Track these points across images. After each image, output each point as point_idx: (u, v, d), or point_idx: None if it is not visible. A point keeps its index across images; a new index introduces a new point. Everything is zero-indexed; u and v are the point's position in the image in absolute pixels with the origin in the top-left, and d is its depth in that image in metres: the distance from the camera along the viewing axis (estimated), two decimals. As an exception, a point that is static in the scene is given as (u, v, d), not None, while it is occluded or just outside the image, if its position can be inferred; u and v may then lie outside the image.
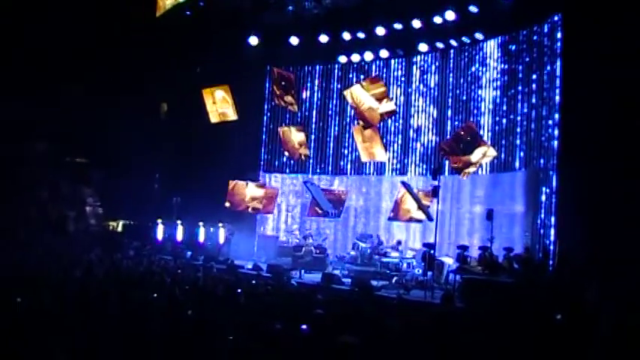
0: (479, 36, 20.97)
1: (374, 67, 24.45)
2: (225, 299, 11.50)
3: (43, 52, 23.53)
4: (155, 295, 11.11)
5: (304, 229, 24.68)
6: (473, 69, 21.86)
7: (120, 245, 22.93)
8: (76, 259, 16.45)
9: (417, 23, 20.73)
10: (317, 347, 7.10)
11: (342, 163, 25.25)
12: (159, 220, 24.93)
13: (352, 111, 22.44)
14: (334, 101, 25.44)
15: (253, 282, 15.38)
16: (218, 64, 24.06)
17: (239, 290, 12.39)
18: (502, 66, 20.74)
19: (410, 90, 23.68)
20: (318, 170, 25.63)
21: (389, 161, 23.73)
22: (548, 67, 18.25)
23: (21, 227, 22.73)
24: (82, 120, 24.56)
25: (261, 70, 25.52)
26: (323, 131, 25.67)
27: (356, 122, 22.35)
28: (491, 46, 21.17)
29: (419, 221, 20.49)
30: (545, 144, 18.16)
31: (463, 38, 21.36)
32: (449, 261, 18.46)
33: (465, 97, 22.04)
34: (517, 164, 19.89)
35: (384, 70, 24.19)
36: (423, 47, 22.30)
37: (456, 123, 21.94)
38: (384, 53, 23.30)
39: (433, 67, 23.12)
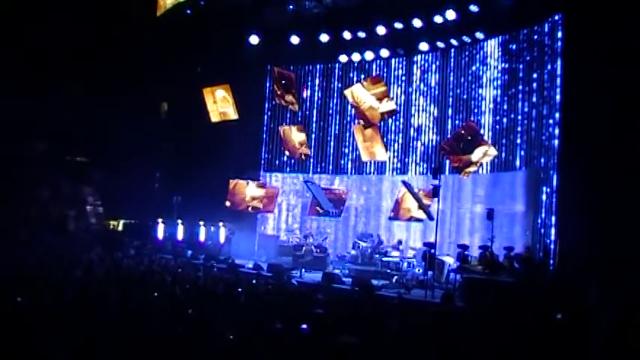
0: (479, 35, 20.96)
1: (374, 66, 24.43)
2: (226, 298, 11.50)
3: (43, 52, 23.53)
4: (156, 294, 11.11)
5: (305, 228, 24.68)
6: (473, 68, 21.85)
7: (120, 244, 22.92)
8: (76, 259, 16.44)
9: (417, 22, 20.73)
10: (317, 347, 7.09)
11: (342, 162, 25.24)
12: (159, 220, 24.94)
13: (353, 110, 22.47)
14: (335, 100, 25.42)
15: (254, 281, 15.39)
16: (218, 64, 24.08)
17: (239, 289, 12.40)
18: (503, 65, 20.73)
19: (410, 89, 23.67)
20: (318, 169, 25.63)
21: (389, 160, 23.72)
22: (549, 67, 18.24)
23: (21, 227, 22.70)
24: (83, 119, 24.56)
25: (262, 69, 25.53)
26: (323, 130, 25.65)
27: (356, 121, 22.39)
28: (492, 46, 21.16)
29: (419, 220, 20.53)
30: (545, 143, 18.15)
31: (464, 37, 21.35)
32: (449, 260, 18.44)
33: (465, 96, 22.03)
34: (517, 163, 19.88)
35: (385, 70, 24.18)
36: (423, 46, 22.29)
37: (457, 122, 21.93)
38: (384, 52, 23.29)
39: (434, 67, 23.11)
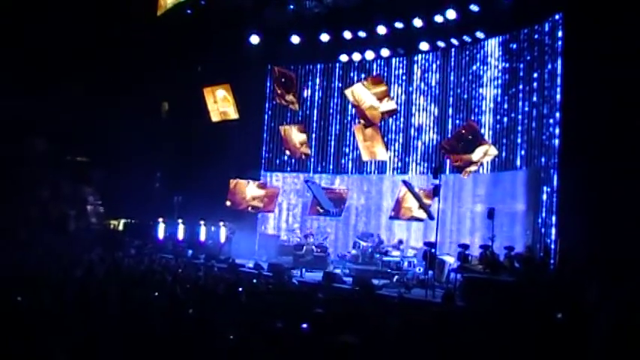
0: (480, 35, 20.95)
1: (375, 65, 24.41)
2: (226, 298, 11.50)
3: (43, 52, 23.54)
4: (156, 294, 11.11)
5: (305, 227, 24.67)
6: (474, 67, 21.82)
7: (121, 244, 22.94)
8: (76, 259, 16.44)
9: (418, 22, 20.72)
10: (317, 346, 7.08)
11: (343, 161, 25.23)
12: (160, 219, 24.96)
13: (353, 110, 22.44)
14: (335, 100, 25.41)
15: (254, 281, 15.39)
16: (219, 63, 24.08)
17: (240, 289, 12.40)
18: (503, 64, 20.72)
19: (411, 89, 23.65)
20: (319, 169, 25.62)
21: (390, 160, 23.69)
22: (549, 66, 18.23)
23: (21, 227, 22.72)
24: (83, 119, 24.59)
25: (262, 68, 25.51)
26: (324, 130, 25.64)
27: (357, 121, 22.37)
28: (492, 45, 21.14)
29: (420, 220, 20.50)
30: (546, 142, 18.14)
31: (464, 37, 21.33)
32: (450, 260, 18.43)
33: (466, 96, 22.00)
34: (518, 163, 19.87)
35: (385, 69, 24.17)
36: (424, 46, 22.26)
37: (457, 122, 21.91)
38: (385, 52, 23.27)
39: (434, 66, 23.09)
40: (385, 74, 23.71)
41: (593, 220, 14.86)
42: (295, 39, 23.09)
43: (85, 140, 25.84)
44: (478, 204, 20.97)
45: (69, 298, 10.17)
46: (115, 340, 7.74)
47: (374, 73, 23.47)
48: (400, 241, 21.16)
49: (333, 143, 25.50)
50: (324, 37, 22.60)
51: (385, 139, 22.61)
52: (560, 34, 17.67)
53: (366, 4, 20.63)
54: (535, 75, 19.13)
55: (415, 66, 23.61)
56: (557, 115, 17.37)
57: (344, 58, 24.31)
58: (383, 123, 22.16)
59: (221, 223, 24.28)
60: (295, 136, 23.39)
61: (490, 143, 19.07)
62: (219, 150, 24.34)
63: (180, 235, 24.69)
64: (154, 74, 24.45)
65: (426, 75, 23.29)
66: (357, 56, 23.90)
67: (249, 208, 23.78)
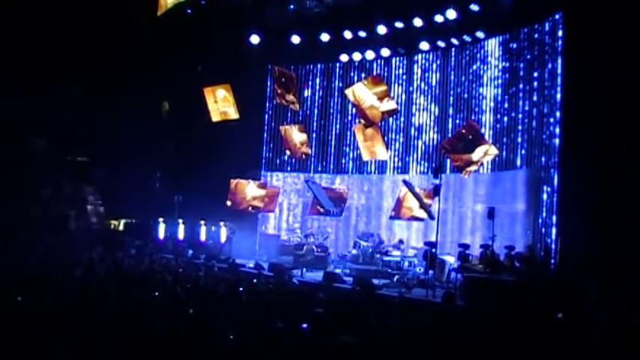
0: (480, 34, 20.96)
1: (375, 65, 24.41)
2: (227, 298, 11.50)
3: (43, 52, 23.54)
4: (157, 293, 11.12)
5: (306, 227, 24.67)
6: (474, 67, 21.83)
7: (121, 244, 22.91)
8: (76, 259, 16.45)
9: (418, 22, 20.71)
10: (316, 346, 7.08)
11: (343, 161, 25.24)
12: (160, 219, 24.98)
13: (353, 109, 22.43)
14: (335, 100, 25.43)
15: (255, 281, 15.39)
16: (219, 63, 24.09)
17: (240, 289, 12.40)
18: (503, 64, 20.72)
19: (411, 88, 23.66)
20: (319, 169, 25.63)
21: (390, 160, 23.70)
22: (550, 65, 18.22)
23: (21, 227, 22.72)
24: (83, 119, 24.61)
25: (263, 68, 25.51)
26: (324, 130, 25.65)
27: (357, 121, 22.36)
28: (493, 45, 21.15)
29: (420, 220, 20.49)
30: (546, 142, 18.13)
31: (464, 37, 21.34)
32: (450, 259, 18.45)
33: (466, 95, 22.01)
34: (518, 162, 19.86)
35: (386, 69, 24.17)
36: (424, 46, 22.27)
37: (458, 121, 21.92)
38: (385, 52, 23.28)
39: (434, 66, 23.10)
40: (385, 74, 23.72)
41: (593, 220, 14.86)
42: (295, 39, 23.08)
43: (85, 140, 25.86)
44: (478, 203, 20.97)
45: (69, 298, 10.17)
46: (115, 340, 7.74)
47: (374, 73, 23.46)
48: (400, 241, 21.17)
49: (333, 143, 25.51)
50: (325, 37, 22.59)
51: (385, 138, 22.60)
52: (560, 33, 17.67)
53: (367, 4, 20.62)
54: (535, 74, 19.13)
55: (415, 66, 23.62)
56: (558, 114, 17.36)
57: (344, 57, 24.32)
58: (383, 123, 22.14)
59: (221, 223, 24.30)
60: (296, 135, 23.37)
61: (490, 143, 19.05)
62: (220, 150, 24.35)
63: (181, 234, 24.69)
64: (154, 74, 24.46)
65: (427, 74, 23.30)
66: (357, 56, 23.91)
67: (250, 208, 23.76)
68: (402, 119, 23.61)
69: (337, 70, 25.47)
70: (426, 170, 22.68)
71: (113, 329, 8.14)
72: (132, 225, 27.03)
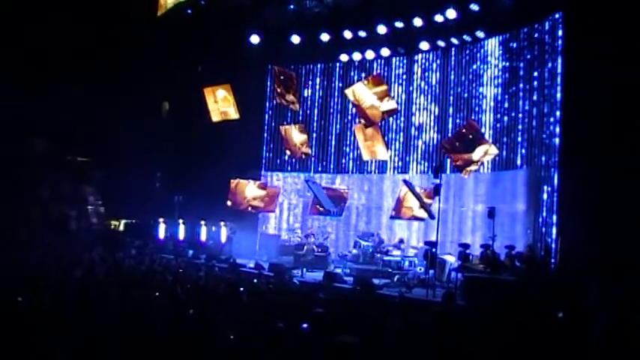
0: (480, 34, 20.97)
1: (375, 65, 24.42)
2: (227, 298, 11.49)
3: (43, 52, 23.53)
4: (157, 294, 11.11)
5: (306, 227, 24.67)
6: (474, 67, 21.84)
7: (122, 244, 22.90)
8: (76, 259, 16.44)
9: (418, 21, 20.72)
10: (317, 346, 7.08)
11: (343, 161, 25.25)
12: (161, 219, 24.97)
13: (354, 109, 22.43)
14: (336, 99, 25.45)
15: (255, 281, 15.39)
16: (219, 63, 24.08)
17: (241, 289, 12.39)
18: (503, 63, 20.73)
19: (411, 88, 23.67)
20: (319, 169, 25.64)
21: (390, 159, 23.69)
22: (550, 65, 18.22)
23: (21, 227, 22.72)
24: (83, 119, 24.59)
25: (263, 68, 25.53)
26: (324, 130, 25.66)
27: (357, 120, 22.37)
28: (493, 44, 21.15)
29: (421, 219, 20.49)
30: (546, 141, 18.13)
31: (464, 36, 21.34)
32: (451, 259, 18.46)
33: (466, 95, 22.02)
34: (519, 162, 19.86)
35: (386, 69, 24.18)
36: (424, 45, 22.27)
37: (458, 121, 21.92)
38: (385, 51, 23.28)
39: (434, 65, 23.10)
40: (385, 74, 23.72)
41: (593, 219, 14.86)
42: (295, 39, 23.09)
43: (85, 140, 25.83)
44: (479, 203, 20.97)
45: (69, 298, 10.16)
46: (115, 340, 7.73)
47: (374, 73, 23.45)
48: (401, 241, 21.16)
49: (333, 143, 25.52)
50: (325, 37, 22.60)
51: (386, 138, 22.61)
52: (560, 32, 17.67)
53: (367, 4, 20.63)
54: (535, 74, 19.13)
55: (415, 65, 23.62)
56: (558, 113, 17.36)
57: (344, 57, 24.33)
58: (383, 122, 22.15)
59: (222, 223, 24.30)
60: (296, 136, 23.37)
61: (490, 142, 19.05)
62: (220, 150, 24.33)
63: (181, 235, 24.68)
64: (154, 74, 24.45)
65: (427, 74, 23.31)
66: (357, 56, 23.91)
67: (250, 208, 23.77)
68: (402, 119, 23.61)
69: (337, 70, 25.48)
70: (426, 170, 22.69)
71: (113, 329, 8.13)
72: (132, 225, 27.02)
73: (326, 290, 14.25)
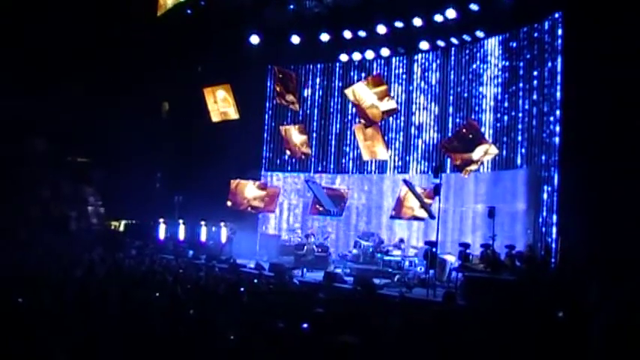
0: (480, 34, 20.98)
1: (375, 65, 24.42)
2: (227, 298, 11.50)
3: (43, 52, 23.53)
4: (157, 294, 11.11)
5: (306, 227, 24.66)
6: (474, 66, 21.84)
7: (122, 245, 22.89)
8: (76, 259, 16.44)
9: (418, 21, 20.72)
10: (317, 346, 7.08)
11: (343, 161, 25.24)
12: (161, 220, 24.94)
13: (353, 109, 22.43)
14: (336, 99, 25.44)
15: (255, 281, 15.38)
16: (219, 63, 24.08)
17: (241, 289, 12.39)
18: (503, 63, 20.73)
19: (411, 88, 23.66)
20: (319, 169, 25.63)
21: (390, 159, 23.69)
22: (549, 64, 18.22)
23: (21, 227, 22.72)
24: (83, 119, 24.58)
25: (263, 68, 25.55)
26: (324, 129, 25.65)
27: (357, 120, 22.37)
28: (492, 44, 21.16)
29: (421, 219, 20.49)
30: (546, 140, 18.12)
31: (464, 36, 21.35)
32: (451, 259, 18.46)
33: (466, 95, 22.02)
34: (519, 161, 19.86)
35: (386, 68, 24.17)
36: (424, 45, 22.26)
37: (458, 120, 21.93)
38: (385, 51, 23.29)
39: (434, 65, 23.10)
40: (385, 73, 23.71)
41: (593, 219, 14.86)
42: (295, 39, 23.08)
43: (85, 140, 25.82)
44: (479, 203, 20.97)
45: (69, 298, 10.16)
46: (115, 340, 7.74)
47: (374, 73, 23.44)
48: (401, 240, 21.16)
49: (333, 143, 25.52)
50: (324, 37, 22.59)
51: (385, 138, 22.61)
52: (559, 32, 17.67)
53: (366, 4, 20.63)
54: (535, 73, 19.13)
55: (415, 65, 23.62)
56: (558, 113, 17.36)
57: (344, 57, 24.32)
58: (383, 122, 22.13)
59: (222, 224, 24.29)
60: (295, 136, 23.37)
61: (490, 142, 19.06)
62: (220, 150, 24.32)
63: (181, 235, 24.66)
64: (154, 74, 24.44)
65: (426, 74, 23.30)
66: (357, 56, 23.91)
67: (250, 209, 23.77)
68: (402, 119, 23.61)
69: (337, 69, 25.48)
70: (426, 170, 22.70)
71: (113, 330, 8.13)
72: (132, 226, 27.01)
73: (326, 290, 14.25)
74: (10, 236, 20.76)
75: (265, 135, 26.60)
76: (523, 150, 19.69)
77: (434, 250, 17.03)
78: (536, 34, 19.21)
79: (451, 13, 19.77)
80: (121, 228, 27.29)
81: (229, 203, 23.60)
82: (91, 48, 24.18)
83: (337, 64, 25.30)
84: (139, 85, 24.65)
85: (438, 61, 22.95)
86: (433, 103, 23.03)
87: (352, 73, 24.85)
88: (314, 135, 25.44)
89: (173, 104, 28.46)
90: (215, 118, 23.93)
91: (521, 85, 19.86)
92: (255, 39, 23.37)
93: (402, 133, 23.76)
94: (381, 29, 21.45)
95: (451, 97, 22.46)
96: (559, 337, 8.71)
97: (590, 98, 15.22)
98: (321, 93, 25.82)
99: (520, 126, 19.86)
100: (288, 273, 17.97)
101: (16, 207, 23.90)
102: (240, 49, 23.46)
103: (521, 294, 13.43)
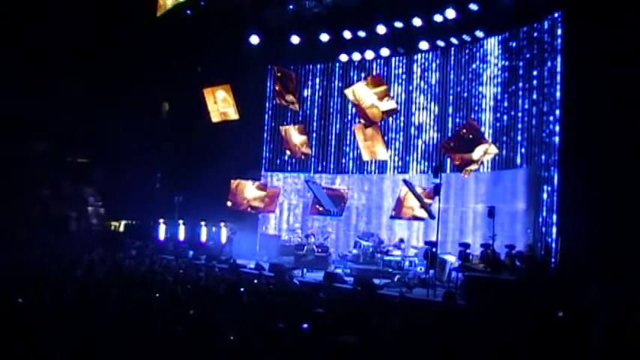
0: (479, 34, 20.98)
1: (375, 65, 24.43)
2: (227, 298, 11.49)
3: (43, 52, 23.53)
4: (157, 294, 11.11)
5: (306, 227, 24.66)
6: (474, 66, 21.84)
7: (122, 245, 22.90)
8: (76, 259, 16.44)
9: (417, 21, 20.73)
10: (317, 346, 7.08)
11: (343, 161, 25.25)
12: (161, 220, 24.95)
13: (353, 109, 22.44)
14: (335, 100, 25.44)
15: (255, 281, 15.38)
16: (219, 64, 24.07)
17: (241, 289, 12.39)
18: (503, 63, 20.72)
19: (411, 88, 23.67)
20: (319, 169, 25.64)
21: (390, 159, 23.69)
22: (549, 64, 18.22)
23: (21, 227, 22.73)
24: (83, 120, 24.61)
25: (262, 68, 25.55)
26: (324, 130, 25.66)
27: (357, 121, 22.36)
28: (492, 44, 21.16)
29: (421, 219, 20.48)
30: (546, 140, 18.12)
31: (464, 36, 21.36)
32: (451, 259, 18.46)
33: (466, 94, 22.03)
34: (518, 161, 19.86)
35: (385, 69, 24.18)
36: (423, 45, 22.27)
37: (457, 120, 21.93)
38: (384, 51, 23.29)
39: (434, 65, 23.11)
40: (385, 73, 23.73)
41: (593, 219, 14.85)
42: (295, 39, 23.09)
43: (85, 140, 25.85)
44: (479, 203, 20.97)
45: (69, 298, 10.16)
46: (115, 340, 7.74)
47: (374, 73, 23.46)
48: (401, 240, 21.16)
49: (333, 143, 25.52)
50: (324, 37, 22.62)
51: (385, 138, 22.61)
52: (559, 32, 17.68)
53: (366, 4, 20.64)
54: (535, 73, 19.13)
55: (415, 65, 23.63)
56: (557, 112, 17.37)
57: (344, 57, 24.33)
58: (383, 122, 22.12)
59: (222, 224, 24.29)
60: (295, 137, 23.36)
61: (490, 142, 19.05)
62: (220, 150, 24.32)
63: (181, 235, 24.67)
64: (154, 74, 24.45)
65: (426, 74, 23.31)
66: (357, 56, 23.92)
67: (250, 209, 23.76)
68: (402, 118, 23.62)
69: (337, 70, 25.48)
70: (426, 169, 22.70)
71: (113, 330, 8.13)
72: (132, 226, 27.04)
73: (326, 290, 14.25)
74: (10, 236, 20.79)
75: (265, 135, 26.59)
76: (523, 150, 19.69)
77: (434, 250, 17.03)
78: (535, 34, 19.21)
79: (451, 13, 19.79)
80: (121, 228, 27.32)
81: (229, 203, 23.58)
82: (91, 48, 24.20)
83: (337, 65, 25.30)
84: (139, 85, 24.66)
85: (438, 61, 22.96)
86: (433, 103, 23.04)
87: (352, 73, 24.86)
88: (314, 135, 25.45)
89: (173, 104, 28.46)
90: (215, 118, 23.92)
91: (520, 84, 19.85)
92: (255, 39, 23.37)
93: (401, 133, 23.77)
94: (381, 29, 21.46)
95: (451, 97, 22.46)
96: (559, 337, 8.71)
97: (590, 98, 15.22)
98: (320, 93, 25.82)
99: (520, 126, 19.85)
100: (288, 273, 17.97)
101: (16, 207, 23.93)
102: (240, 50, 23.47)
103: (521, 294, 13.43)
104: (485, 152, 18.46)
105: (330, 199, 21.83)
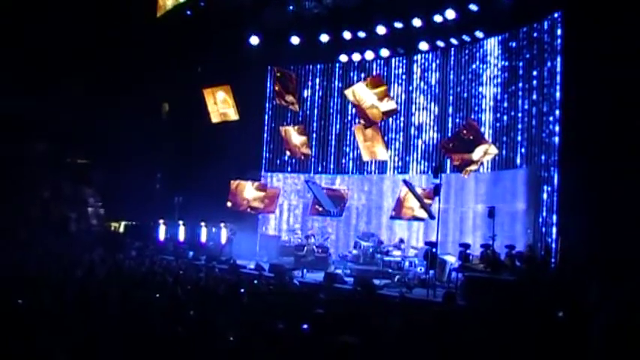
0: (479, 34, 20.99)
1: (375, 65, 24.44)
2: (227, 299, 11.49)
3: (43, 52, 23.53)
4: (157, 295, 11.10)
5: (306, 228, 24.66)
6: (473, 66, 21.86)
7: (122, 246, 22.88)
8: (76, 260, 16.43)
9: (417, 22, 20.74)
10: (317, 347, 7.08)
11: (343, 161, 25.26)
12: (161, 221, 24.96)
13: (353, 110, 22.44)
14: (335, 100, 25.46)
15: (255, 282, 15.37)
16: (219, 64, 24.06)
17: (241, 290, 12.39)
18: (502, 63, 20.74)
19: (411, 88, 23.69)
20: (319, 169, 25.65)
21: (390, 159, 23.69)
22: (549, 64, 18.23)
23: (21, 227, 22.72)
24: (83, 120, 24.59)
25: (262, 69, 25.57)
26: (324, 130, 25.68)
27: (357, 121, 22.36)
28: (492, 44, 21.17)
29: (421, 219, 20.48)
30: (546, 140, 18.13)
31: (463, 36, 21.38)
32: (451, 259, 18.45)
33: (465, 95, 22.05)
34: (518, 161, 19.86)
35: (385, 69, 24.19)
36: (423, 46, 22.29)
37: (457, 120, 21.95)
38: (384, 52, 23.32)
39: (434, 65, 23.13)
40: (385, 74, 23.76)
41: (593, 219, 14.85)
42: (295, 39, 23.10)
43: (85, 141, 25.84)
44: (479, 203, 20.98)
45: (69, 298, 10.16)
46: (115, 341, 7.73)
47: (374, 73, 23.47)
48: (401, 241, 21.17)
49: (333, 143, 25.54)
50: (324, 38, 22.63)
51: (385, 138, 22.62)
52: (559, 32, 17.68)
53: (366, 5, 20.64)
54: (535, 73, 19.14)
55: (415, 65, 23.65)
56: (557, 112, 17.37)
57: (344, 58, 24.35)
58: (383, 122, 22.13)
59: (222, 224, 24.30)
60: (295, 137, 23.36)
61: (490, 142, 19.04)
62: (220, 150, 24.32)
63: (181, 236, 24.67)
64: (154, 74, 24.44)
65: (426, 74, 23.33)
66: (356, 56, 23.94)
67: (250, 209, 23.75)
68: (402, 119, 23.64)
69: (337, 70, 25.50)
70: (426, 170, 22.71)
71: (113, 330, 8.13)
72: (132, 226, 27.01)
73: (326, 291, 14.25)
74: (10, 236, 20.77)
75: (265, 136, 26.61)
76: (523, 150, 19.70)
77: (434, 250, 17.03)
78: (535, 34, 19.22)
79: (450, 14, 19.80)
80: (121, 229, 27.30)
81: (229, 204, 23.58)
82: (91, 48, 24.18)
83: (337, 65, 25.32)
84: (139, 85, 24.64)
85: (438, 62, 22.98)
86: (433, 104, 23.05)
87: (352, 74, 24.87)
88: (314, 135, 25.46)
89: (173, 105, 28.45)
90: (215, 119, 23.91)
91: (520, 85, 19.87)
92: (254, 40, 23.38)
93: (401, 134, 23.78)
94: (381, 30, 21.47)
95: (451, 98, 22.48)
96: (559, 337, 8.71)
97: (590, 98, 15.22)
98: (320, 93, 25.84)
99: (520, 126, 19.87)
100: (288, 274, 17.97)
101: (16, 207, 23.92)
102: (239, 50, 23.47)
103: (521, 294, 13.43)
104: (485, 152, 18.46)
105: (330, 200, 21.82)
